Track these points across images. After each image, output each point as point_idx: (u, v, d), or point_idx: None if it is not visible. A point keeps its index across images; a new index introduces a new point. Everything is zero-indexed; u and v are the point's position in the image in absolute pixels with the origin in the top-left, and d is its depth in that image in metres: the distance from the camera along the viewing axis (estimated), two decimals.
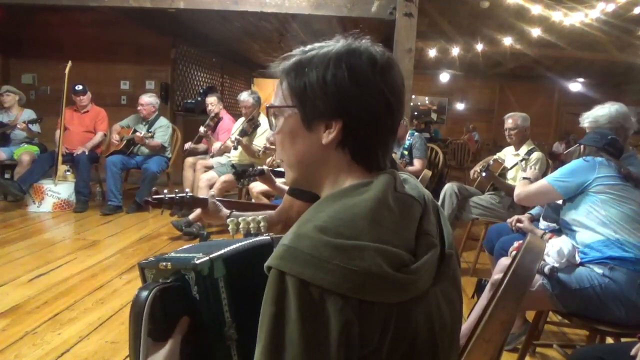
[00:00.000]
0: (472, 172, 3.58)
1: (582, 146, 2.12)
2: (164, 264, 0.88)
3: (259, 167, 2.30)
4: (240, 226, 1.60)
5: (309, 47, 0.76)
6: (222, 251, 0.89)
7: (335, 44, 0.75)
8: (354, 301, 0.60)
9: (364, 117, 0.71)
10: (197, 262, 0.84)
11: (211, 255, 0.86)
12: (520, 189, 2.30)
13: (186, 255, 0.91)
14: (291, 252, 0.62)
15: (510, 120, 3.47)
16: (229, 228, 1.63)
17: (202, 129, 4.90)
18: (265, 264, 0.64)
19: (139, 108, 5.00)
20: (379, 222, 0.65)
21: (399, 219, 0.68)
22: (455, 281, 0.78)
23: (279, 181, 2.42)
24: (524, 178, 2.50)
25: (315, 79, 0.72)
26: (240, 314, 0.87)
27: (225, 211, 1.73)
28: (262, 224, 1.61)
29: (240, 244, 0.94)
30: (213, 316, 0.85)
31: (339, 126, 0.72)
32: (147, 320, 0.79)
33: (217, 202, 1.75)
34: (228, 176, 4.21)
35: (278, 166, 4.19)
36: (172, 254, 0.94)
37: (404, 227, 0.69)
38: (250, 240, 0.96)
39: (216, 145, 4.69)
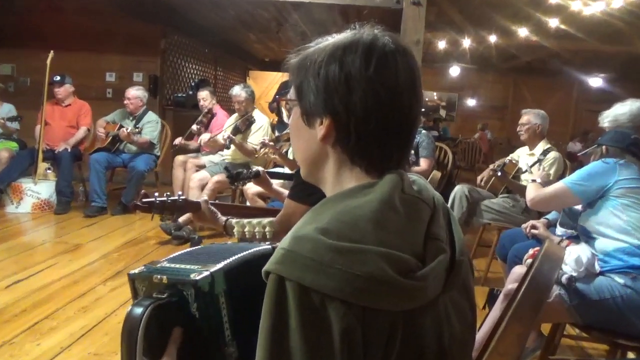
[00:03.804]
0: (480, 177, 3.58)
1: (604, 147, 2.12)
2: (158, 277, 0.87)
3: (253, 170, 2.30)
4: (246, 229, 1.61)
5: (324, 38, 0.78)
6: (223, 264, 0.88)
7: (339, 36, 0.76)
8: (357, 308, 0.61)
9: (351, 114, 0.71)
10: (198, 278, 0.84)
11: (212, 270, 0.86)
12: (534, 192, 2.28)
13: (182, 266, 0.90)
14: (290, 256, 0.62)
15: (525, 116, 3.51)
16: (235, 230, 1.64)
17: (194, 127, 4.89)
18: (264, 269, 0.64)
19: (125, 102, 5.00)
20: (384, 225, 0.66)
21: (406, 222, 0.68)
22: (466, 290, 0.79)
23: (275, 183, 2.43)
24: (532, 180, 2.48)
25: (310, 73, 0.75)
26: (240, 330, 0.87)
27: (223, 218, 1.73)
28: (267, 229, 1.62)
29: (241, 254, 0.94)
30: (213, 334, 0.85)
31: (328, 123, 0.73)
32: (142, 339, 0.78)
33: (213, 208, 1.76)
34: (221, 176, 4.21)
35: (275, 165, 4.20)
36: (166, 264, 0.94)
37: (411, 231, 0.69)
38: (251, 250, 0.96)
39: (204, 137, 4.67)
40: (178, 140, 4.98)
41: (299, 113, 0.78)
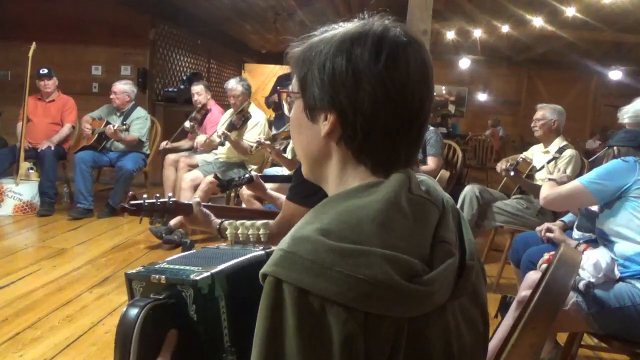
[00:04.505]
0: (498, 165, 3.56)
1: (615, 148, 2.13)
2: (157, 277, 0.88)
3: (246, 175, 2.31)
4: (239, 231, 1.62)
5: (331, 27, 0.78)
6: (223, 266, 0.90)
7: (347, 26, 0.76)
8: (359, 313, 0.61)
9: (358, 111, 0.72)
10: (197, 278, 0.85)
11: (212, 271, 0.87)
12: (548, 190, 2.28)
13: (182, 268, 0.92)
14: (289, 258, 0.63)
15: (540, 111, 3.53)
16: (228, 232, 1.65)
17: (187, 124, 4.86)
18: (261, 271, 0.65)
19: (112, 97, 5.00)
20: (388, 226, 0.66)
21: (413, 224, 0.69)
22: (477, 297, 0.79)
23: (269, 187, 2.43)
24: (549, 179, 2.49)
25: (315, 65, 0.74)
26: (241, 338, 0.88)
27: (217, 220, 1.74)
28: (261, 231, 1.62)
29: (240, 258, 0.96)
30: (211, 339, 0.86)
31: (333, 119, 0.73)
32: (137, 342, 0.79)
33: (206, 210, 1.76)
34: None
35: (272, 165, 4.20)
36: (165, 265, 0.96)
37: (418, 233, 0.69)
38: (248, 255, 0.98)
39: (200, 138, 4.67)
40: (164, 144, 4.94)
41: (301, 107, 0.78)
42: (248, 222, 1.67)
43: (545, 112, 3.50)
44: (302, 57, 0.77)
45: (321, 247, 0.62)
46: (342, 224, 0.65)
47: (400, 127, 0.73)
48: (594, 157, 2.37)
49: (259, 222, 1.67)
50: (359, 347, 0.61)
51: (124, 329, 0.80)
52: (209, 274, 0.86)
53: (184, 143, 5.09)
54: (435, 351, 0.68)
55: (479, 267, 0.78)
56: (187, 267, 0.91)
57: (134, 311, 0.81)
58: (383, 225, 0.65)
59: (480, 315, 0.79)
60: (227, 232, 1.68)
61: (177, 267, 0.93)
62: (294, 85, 0.80)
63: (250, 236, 1.65)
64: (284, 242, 0.65)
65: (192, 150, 4.88)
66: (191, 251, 1.12)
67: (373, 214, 0.66)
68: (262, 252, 1.02)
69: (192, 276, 0.86)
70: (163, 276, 0.88)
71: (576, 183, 2.11)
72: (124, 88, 5.02)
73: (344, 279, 0.60)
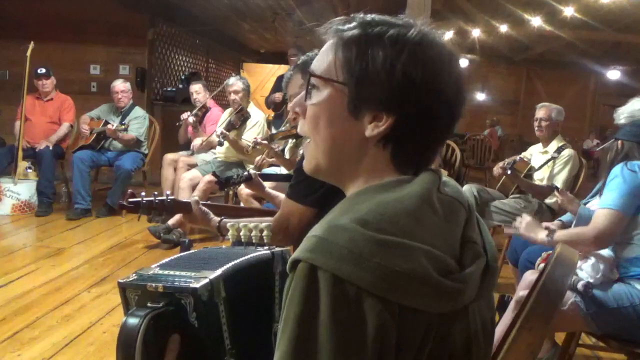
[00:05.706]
0: (495, 168, 3.57)
1: (619, 142, 2.11)
2: (153, 285, 0.87)
3: (245, 173, 2.31)
4: (242, 233, 1.61)
5: (369, 18, 0.74)
6: (220, 271, 0.89)
7: (407, 27, 0.72)
8: (394, 306, 0.61)
9: (421, 118, 0.71)
10: (197, 285, 0.84)
11: (211, 277, 0.86)
12: (584, 234, 1.98)
13: (177, 273, 0.91)
14: (325, 245, 0.62)
15: (543, 111, 3.50)
16: (229, 234, 1.65)
17: (191, 119, 4.77)
18: (292, 257, 0.64)
19: (119, 96, 4.99)
20: (422, 222, 0.66)
21: (444, 222, 0.69)
22: (491, 299, 0.79)
23: (268, 185, 2.43)
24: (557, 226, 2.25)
25: (381, 63, 0.70)
26: (239, 338, 0.88)
27: (216, 218, 1.74)
28: (265, 232, 1.61)
29: (237, 260, 0.95)
30: (212, 343, 0.86)
31: (390, 122, 0.71)
32: (140, 353, 0.78)
33: (204, 208, 1.76)
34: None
35: (270, 165, 4.20)
36: (158, 270, 0.94)
37: (449, 232, 0.70)
38: (249, 256, 0.97)
39: (196, 142, 4.67)
40: (186, 115, 4.78)
41: (343, 99, 0.73)
42: (251, 224, 1.66)
43: (551, 113, 3.46)
44: (357, 48, 0.72)
45: (359, 236, 0.62)
46: (379, 215, 0.65)
47: (444, 134, 0.75)
48: (601, 147, 2.33)
49: (263, 224, 1.66)
50: (390, 339, 0.61)
51: (125, 340, 0.79)
52: (207, 280, 0.85)
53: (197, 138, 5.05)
54: (457, 349, 0.68)
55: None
56: (182, 273, 0.90)
57: (134, 322, 0.79)
58: (417, 220, 0.66)
59: (491, 317, 0.80)
60: (229, 233, 1.68)
61: (171, 272, 0.92)
62: (337, 72, 0.74)
63: (253, 238, 1.64)
64: (317, 229, 0.64)
65: (191, 150, 4.88)
66: (184, 253, 1.11)
67: (408, 208, 0.66)
68: (267, 251, 1.02)
69: (191, 284, 0.85)
70: (160, 284, 0.86)
71: (607, 212, 1.92)
72: (126, 87, 5.03)
73: (381, 270, 0.60)
